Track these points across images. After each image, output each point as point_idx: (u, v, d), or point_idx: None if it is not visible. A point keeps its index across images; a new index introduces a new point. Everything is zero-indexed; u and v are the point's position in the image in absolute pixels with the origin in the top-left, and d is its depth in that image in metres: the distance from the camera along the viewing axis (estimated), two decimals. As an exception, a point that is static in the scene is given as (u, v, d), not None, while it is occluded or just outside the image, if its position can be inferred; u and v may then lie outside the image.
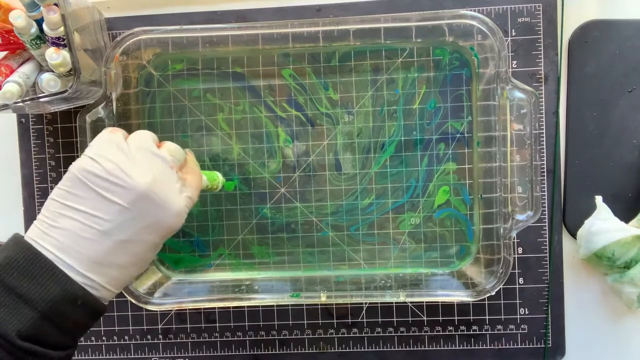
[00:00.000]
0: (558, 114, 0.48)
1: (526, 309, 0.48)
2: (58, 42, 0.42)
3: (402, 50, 0.47)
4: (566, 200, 0.48)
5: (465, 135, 0.48)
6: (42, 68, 0.45)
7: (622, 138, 0.47)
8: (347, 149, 0.48)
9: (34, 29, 0.41)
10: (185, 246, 0.49)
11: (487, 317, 0.49)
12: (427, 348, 0.49)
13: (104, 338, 0.50)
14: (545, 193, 0.48)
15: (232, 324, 0.50)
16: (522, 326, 0.48)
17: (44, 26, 0.41)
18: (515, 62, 0.48)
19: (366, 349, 0.49)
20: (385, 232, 0.49)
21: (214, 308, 0.50)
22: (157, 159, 0.35)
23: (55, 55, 0.41)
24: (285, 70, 0.48)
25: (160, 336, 0.50)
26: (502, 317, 0.48)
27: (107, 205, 0.32)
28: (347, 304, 0.49)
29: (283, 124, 0.48)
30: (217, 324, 0.50)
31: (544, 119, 0.48)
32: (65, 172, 0.49)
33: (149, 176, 0.33)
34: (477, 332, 0.49)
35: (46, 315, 0.30)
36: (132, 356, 0.50)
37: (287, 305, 0.49)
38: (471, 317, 0.49)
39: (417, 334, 0.49)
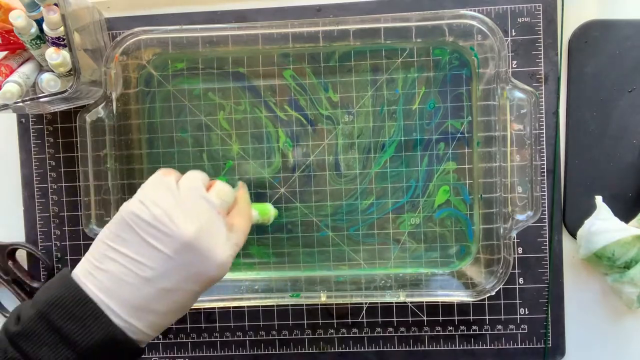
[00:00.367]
0: (558, 114, 0.48)
1: (526, 309, 0.48)
2: (58, 42, 0.42)
3: (402, 50, 0.47)
4: (566, 200, 0.48)
5: (465, 135, 0.48)
6: (42, 68, 0.45)
7: (622, 138, 0.47)
8: (347, 150, 0.48)
9: (34, 29, 0.41)
10: (185, 246, 0.49)
11: (487, 317, 0.49)
12: (427, 348, 0.49)
13: (104, 338, 0.50)
14: (545, 193, 0.48)
15: (232, 324, 0.50)
16: (522, 326, 0.48)
17: (44, 26, 0.41)
18: (515, 62, 0.48)
19: (366, 349, 0.49)
20: (385, 232, 0.49)
21: (214, 308, 0.50)
22: (205, 205, 0.34)
23: (55, 55, 0.41)
24: (286, 71, 0.48)
25: (160, 336, 0.50)
26: (502, 317, 0.48)
27: (151, 251, 0.32)
28: (347, 304, 0.49)
29: (283, 125, 0.48)
30: (217, 324, 0.50)
31: (544, 119, 0.48)
32: (64, 171, 0.50)
33: (195, 225, 0.33)
34: (477, 332, 0.49)
35: (85, 357, 0.31)
36: (132, 356, 0.50)
37: (287, 305, 0.49)
38: (471, 317, 0.49)
39: (417, 334, 0.49)
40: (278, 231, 0.49)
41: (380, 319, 0.49)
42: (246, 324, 0.50)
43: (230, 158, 0.49)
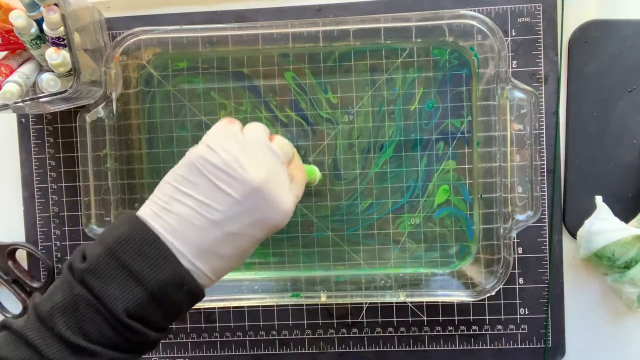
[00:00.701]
0: (558, 114, 0.48)
1: (526, 309, 0.48)
2: (58, 42, 0.42)
3: (402, 50, 0.47)
4: (566, 200, 0.48)
5: (465, 135, 0.48)
6: (42, 68, 0.45)
7: (622, 138, 0.47)
8: (347, 150, 0.48)
9: (34, 29, 0.41)
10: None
11: (487, 317, 0.49)
12: (427, 348, 0.49)
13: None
14: (545, 193, 0.48)
15: (232, 324, 0.50)
16: (522, 326, 0.48)
17: (44, 26, 0.41)
18: (515, 62, 0.48)
19: (366, 349, 0.49)
20: (385, 233, 0.49)
21: (214, 308, 0.50)
22: (271, 155, 0.35)
23: (55, 55, 0.41)
24: (287, 73, 0.48)
25: (160, 336, 0.50)
26: (502, 317, 0.48)
27: (220, 195, 0.33)
28: (347, 304, 0.49)
29: (282, 125, 0.48)
30: (217, 324, 0.50)
31: (544, 119, 0.48)
32: (64, 171, 0.50)
33: (263, 172, 0.33)
34: (477, 332, 0.49)
35: (155, 296, 0.31)
36: (132, 356, 0.50)
37: (287, 305, 0.49)
38: (471, 317, 0.49)
39: (417, 334, 0.49)
40: (278, 231, 0.49)
41: (380, 319, 0.49)
42: (246, 324, 0.50)
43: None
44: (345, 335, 0.49)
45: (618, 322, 0.48)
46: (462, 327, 0.49)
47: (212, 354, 0.50)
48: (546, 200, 0.48)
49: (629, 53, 0.47)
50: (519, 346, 0.49)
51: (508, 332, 0.49)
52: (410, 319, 0.49)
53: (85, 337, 0.30)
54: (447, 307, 0.49)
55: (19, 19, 0.40)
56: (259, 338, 0.50)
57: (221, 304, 0.47)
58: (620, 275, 0.45)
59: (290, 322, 0.50)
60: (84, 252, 0.32)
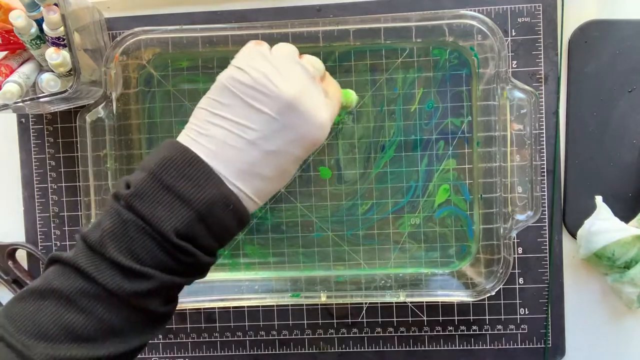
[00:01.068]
0: (558, 114, 0.48)
1: (526, 309, 0.48)
2: (58, 42, 0.42)
3: (402, 50, 0.47)
4: (566, 200, 0.48)
5: (465, 134, 0.48)
6: (42, 68, 0.45)
7: (622, 138, 0.47)
8: (348, 151, 0.48)
9: (34, 29, 0.41)
10: (185, 246, 0.49)
11: (487, 317, 0.49)
12: (427, 348, 0.49)
13: (104, 338, 0.50)
14: (545, 193, 0.48)
15: (232, 324, 0.50)
16: (522, 326, 0.48)
17: (44, 26, 0.41)
18: (515, 62, 0.48)
19: (366, 349, 0.49)
20: (385, 233, 0.49)
21: (214, 308, 0.50)
22: (301, 70, 0.35)
23: (55, 55, 0.41)
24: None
25: (160, 336, 0.50)
26: (502, 317, 0.48)
27: (254, 114, 0.32)
28: (347, 304, 0.49)
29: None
30: (217, 324, 0.50)
31: (544, 119, 0.48)
32: (64, 171, 0.50)
33: (296, 86, 0.33)
34: (477, 332, 0.49)
35: (202, 215, 0.31)
36: (132, 356, 0.50)
37: (287, 305, 0.49)
38: (471, 317, 0.49)
39: (417, 334, 0.49)
40: (278, 232, 0.49)
41: (380, 319, 0.49)
42: (246, 324, 0.50)
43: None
44: (345, 335, 0.49)
45: (618, 322, 0.48)
46: (462, 327, 0.49)
47: (212, 354, 0.50)
48: (546, 200, 0.48)
49: (629, 53, 0.47)
50: (519, 346, 0.49)
51: (508, 332, 0.49)
52: (410, 319, 0.49)
53: (138, 261, 0.30)
54: (447, 307, 0.49)
55: (19, 19, 0.40)
56: (259, 338, 0.50)
57: (221, 304, 0.47)
58: (620, 275, 0.45)
59: (290, 322, 0.50)
60: (127, 181, 0.32)
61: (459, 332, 0.49)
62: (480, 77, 0.46)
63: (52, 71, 0.43)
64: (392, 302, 0.49)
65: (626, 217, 0.46)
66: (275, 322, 0.50)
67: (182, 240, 0.31)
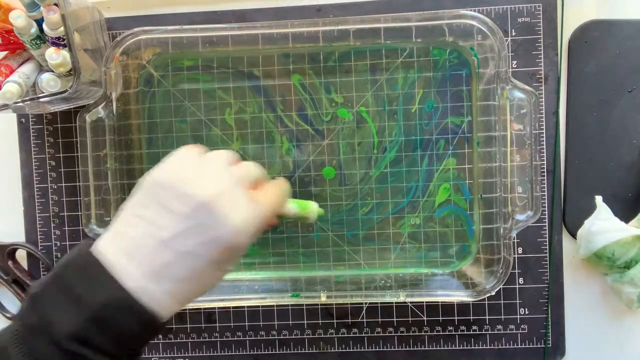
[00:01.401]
0: (558, 114, 0.48)
1: (526, 309, 0.48)
2: (58, 42, 0.42)
3: (402, 50, 0.47)
4: (566, 200, 0.48)
5: (466, 134, 0.48)
6: (42, 68, 0.45)
7: (622, 138, 0.47)
8: (349, 152, 0.48)
9: (34, 29, 0.41)
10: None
11: (487, 317, 0.49)
12: (427, 348, 0.49)
13: (104, 338, 0.50)
14: (545, 193, 0.48)
15: (232, 324, 0.50)
16: (522, 326, 0.48)
17: (44, 26, 0.41)
18: (515, 62, 0.48)
19: (366, 349, 0.49)
20: (385, 234, 0.49)
21: (214, 308, 0.50)
22: (226, 174, 0.34)
23: (55, 55, 0.41)
24: (294, 76, 0.48)
25: (160, 336, 0.50)
26: (502, 317, 0.48)
27: (168, 212, 0.32)
28: (347, 304, 0.49)
29: (283, 125, 0.48)
30: (217, 324, 0.50)
31: (544, 119, 0.48)
32: (64, 171, 0.50)
33: (214, 188, 0.32)
34: (477, 332, 0.49)
35: (95, 318, 0.30)
36: (132, 356, 0.50)
37: (287, 305, 0.49)
38: (471, 317, 0.49)
39: (417, 334, 0.49)
40: (278, 232, 0.49)
41: (380, 319, 0.49)
42: (246, 324, 0.50)
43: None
44: (345, 335, 0.49)
45: (618, 322, 0.48)
46: (462, 327, 0.49)
47: (212, 354, 0.50)
48: (546, 200, 0.48)
49: (629, 53, 0.47)
50: (519, 346, 0.49)
51: (508, 332, 0.49)
52: (410, 319, 0.49)
53: None
54: (447, 307, 0.49)
55: (19, 19, 0.40)
56: (259, 338, 0.50)
57: (221, 304, 0.47)
58: (620, 275, 0.45)
59: (290, 322, 0.50)
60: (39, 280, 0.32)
61: (459, 332, 0.49)
62: (480, 77, 0.46)
63: (52, 71, 0.43)
64: (392, 302, 0.49)
65: (626, 217, 0.46)
66: (275, 322, 0.50)
67: (80, 344, 0.30)
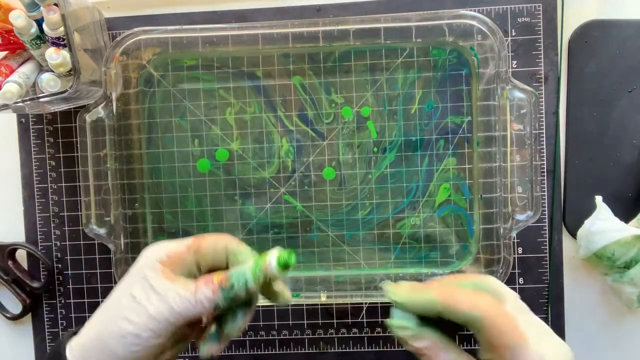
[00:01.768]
0: (558, 114, 0.48)
1: (526, 309, 0.48)
2: (58, 42, 0.42)
3: (402, 50, 0.47)
4: (566, 200, 0.48)
5: (466, 134, 0.48)
6: (42, 68, 0.45)
7: (622, 138, 0.47)
8: (349, 152, 0.48)
9: (34, 29, 0.41)
10: (185, 246, 0.49)
11: (487, 317, 0.48)
12: (427, 348, 0.49)
13: (104, 338, 0.50)
14: (545, 193, 0.48)
15: (232, 324, 0.50)
16: (522, 326, 0.48)
17: (44, 26, 0.41)
18: (515, 62, 0.48)
19: (366, 349, 0.49)
20: (386, 234, 0.49)
21: (214, 308, 0.49)
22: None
23: (55, 55, 0.41)
24: (295, 77, 0.48)
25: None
26: (502, 317, 0.48)
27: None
28: (347, 304, 0.49)
29: (283, 125, 0.48)
30: (217, 324, 0.50)
31: (544, 119, 0.48)
32: (64, 171, 0.50)
33: None
34: (477, 332, 0.49)
35: None
36: (132, 356, 0.50)
37: (287, 305, 0.49)
38: (471, 317, 0.49)
39: (417, 334, 0.49)
40: (278, 232, 0.49)
41: (380, 319, 0.49)
42: (246, 324, 0.50)
43: (230, 157, 0.49)
44: (345, 335, 0.49)
45: (618, 322, 0.48)
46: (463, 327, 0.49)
47: (212, 354, 0.50)
48: (546, 200, 0.48)
49: (629, 53, 0.47)
50: (519, 346, 0.48)
51: (508, 332, 0.48)
52: (410, 319, 0.49)
53: None
54: (447, 307, 0.49)
55: (19, 19, 0.40)
56: (259, 338, 0.50)
57: (221, 304, 0.47)
58: (620, 275, 0.45)
59: (290, 322, 0.50)
60: None
61: (459, 332, 0.49)
62: (480, 77, 0.46)
63: (52, 71, 0.43)
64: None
65: (626, 217, 0.46)
66: (275, 322, 0.50)
67: None
